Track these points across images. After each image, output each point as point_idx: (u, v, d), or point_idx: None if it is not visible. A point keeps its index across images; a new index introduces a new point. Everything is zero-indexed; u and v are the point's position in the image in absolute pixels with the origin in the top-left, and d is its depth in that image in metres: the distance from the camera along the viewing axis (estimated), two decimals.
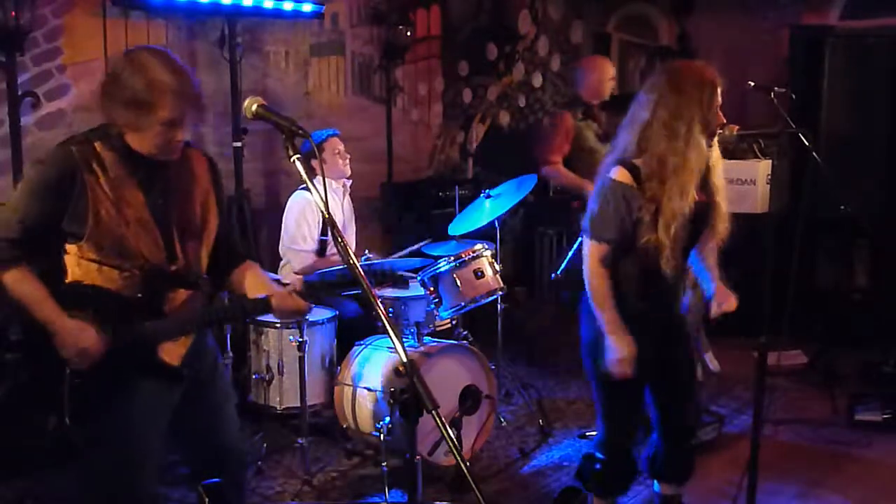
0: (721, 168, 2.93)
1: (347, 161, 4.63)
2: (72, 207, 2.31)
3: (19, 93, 4.32)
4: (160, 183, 2.43)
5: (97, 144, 2.35)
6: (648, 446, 3.24)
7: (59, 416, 2.35)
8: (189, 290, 2.51)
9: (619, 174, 2.80)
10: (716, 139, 2.86)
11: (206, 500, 1.63)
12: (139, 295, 2.40)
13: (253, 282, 2.64)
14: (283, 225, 4.62)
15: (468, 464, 1.72)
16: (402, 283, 3.04)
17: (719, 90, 2.81)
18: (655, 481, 3.29)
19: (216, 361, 2.73)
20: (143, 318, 2.41)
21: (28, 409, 2.43)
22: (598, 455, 3.10)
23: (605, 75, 5.18)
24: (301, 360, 4.01)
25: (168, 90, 2.28)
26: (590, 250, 2.87)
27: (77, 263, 2.35)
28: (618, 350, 2.84)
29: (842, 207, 3.86)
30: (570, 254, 4.28)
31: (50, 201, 2.32)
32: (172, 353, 2.48)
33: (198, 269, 2.54)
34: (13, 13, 4.11)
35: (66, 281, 2.37)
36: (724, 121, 2.84)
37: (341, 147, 4.61)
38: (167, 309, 2.46)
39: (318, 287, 2.45)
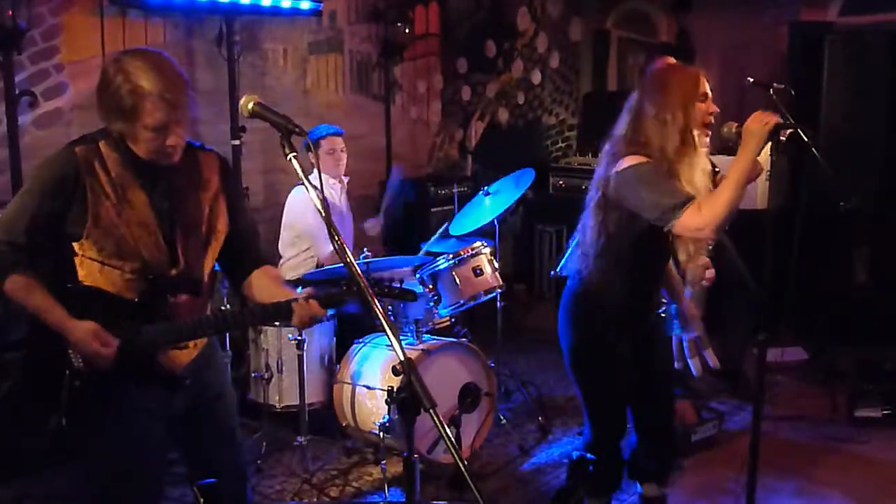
0: (705, 169, 2.90)
1: (342, 161, 4.59)
2: (74, 209, 2.29)
3: (16, 92, 4.31)
4: (164, 185, 2.39)
5: (102, 145, 2.33)
6: (628, 448, 3.22)
7: (59, 417, 2.33)
8: (191, 295, 2.47)
9: (636, 159, 2.74)
10: (706, 139, 2.85)
11: (202, 500, 1.62)
12: (138, 298, 2.37)
13: (269, 286, 2.53)
14: (283, 223, 4.62)
15: (466, 462, 1.71)
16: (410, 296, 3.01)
17: (703, 81, 2.80)
18: (637, 483, 3.27)
19: (224, 377, 2.67)
20: (143, 321, 2.38)
21: (29, 409, 2.41)
22: (589, 456, 3.09)
23: None
24: (300, 358, 4.02)
25: (150, 97, 2.23)
26: (688, 221, 2.63)
27: (81, 263, 2.33)
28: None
29: (841, 204, 3.85)
30: (569, 250, 4.28)
31: (53, 202, 2.30)
32: (175, 360, 2.45)
33: (200, 275, 2.49)
34: (10, 12, 4.11)
35: (72, 282, 2.34)
36: (716, 109, 2.83)
37: (338, 146, 4.57)
38: (168, 314, 2.41)
39: (334, 298, 2.37)
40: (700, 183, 2.76)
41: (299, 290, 2.62)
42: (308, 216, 4.49)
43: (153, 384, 2.42)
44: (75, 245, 2.31)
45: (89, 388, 2.34)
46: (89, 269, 2.33)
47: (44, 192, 2.32)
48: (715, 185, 2.80)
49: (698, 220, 2.63)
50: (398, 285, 3.27)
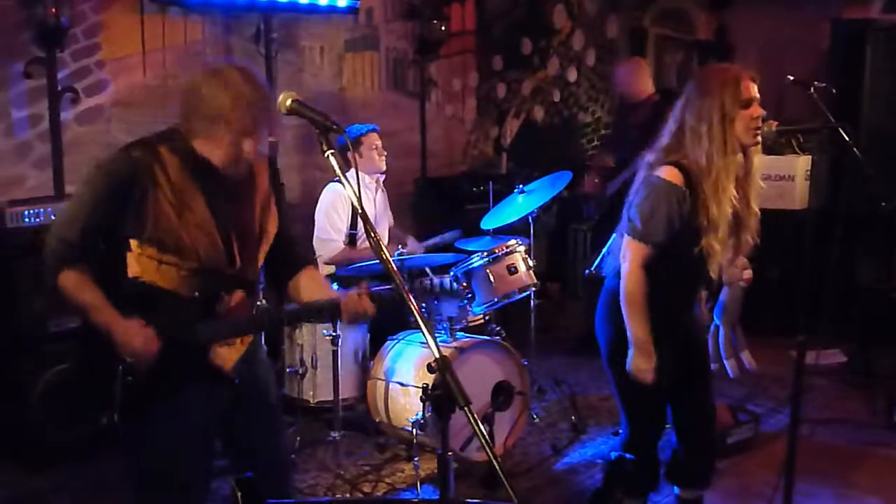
0: (758, 176, 2.88)
1: (384, 157, 4.65)
2: (132, 212, 2.32)
3: (59, 88, 4.39)
4: (222, 188, 2.43)
5: (162, 149, 2.36)
6: (668, 451, 3.18)
7: (111, 413, 2.35)
8: (245, 292, 2.51)
9: (669, 174, 2.76)
10: (757, 145, 2.82)
11: (239, 494, 1.63)
12: (196, 294, 2.40)
13: (313, 286, 2.63)
14: (315, 217, 4.66)
15: (500, 460, 1.71)
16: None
17: (747, 86, 2.76)
18: (676, 486, 3.23)
19: (267, 372, 2.70)
20: (198, 318, 2.40)
21: (72, 400, 2.44)
22: (627, 456, 3.07)
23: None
24: (334, 354, 4.04)
25: (243, 102, 2.32)
26: (633, 251, 2.81)
27: (137, 260, 2.35)
28: (640, 361, 2.83)
29: (882, 204, 3.79)
30: (607, 248, 4.25)
31: (110, 207, 2.33)
32: (225, 357, 2.47)
33: (254, 274, 2.55)
34: (53, 10, 4.17)
35: (126, 277, 2.36)
36: (763, 113, 2.78)
37: (379, 143, 4.63)
38: (222, 311, 2.45)
39: (385, 299, 2.43)
40: (728, 206, 2.74)
41: (334, 285, 2.66)
42: (320, 212, 4.55)
43: (204, 381, 2.45)
44: (133, 242, 2.34)
45: (142, 383, 2.36)
46: (146, 265, 2.35)
47: (100, 197, 2.34)
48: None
49: (625, 263, 2.81)
50: (458, 285, 3.29)
